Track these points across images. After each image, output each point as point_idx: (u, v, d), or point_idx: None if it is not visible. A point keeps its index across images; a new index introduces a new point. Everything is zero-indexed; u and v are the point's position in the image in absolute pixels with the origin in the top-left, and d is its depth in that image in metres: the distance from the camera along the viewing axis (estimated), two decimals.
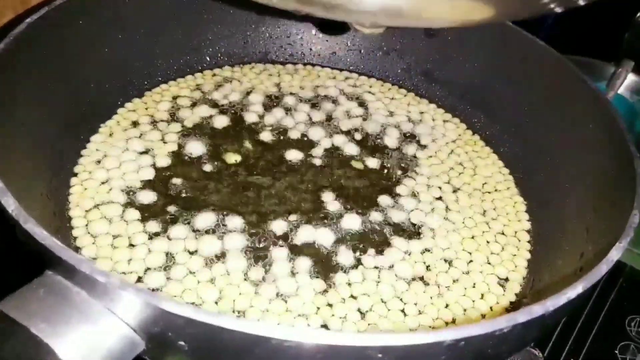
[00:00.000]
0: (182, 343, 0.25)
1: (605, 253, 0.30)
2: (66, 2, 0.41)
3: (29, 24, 0.38)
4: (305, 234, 0.39)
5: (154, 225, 0.39)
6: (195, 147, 0.45)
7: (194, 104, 0.49)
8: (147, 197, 0.40)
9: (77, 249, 0.36)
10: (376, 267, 0.38)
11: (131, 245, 0.37)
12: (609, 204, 0.37)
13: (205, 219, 0.39)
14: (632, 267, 0.51)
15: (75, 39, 0.42)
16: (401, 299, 0.37)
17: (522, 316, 0.25)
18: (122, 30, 0.46)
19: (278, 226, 0.40)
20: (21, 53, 0.37)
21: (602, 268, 0.28)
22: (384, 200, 0.43)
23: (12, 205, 0.26)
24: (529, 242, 0.42)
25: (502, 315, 0.25)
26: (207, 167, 0.43)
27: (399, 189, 0.44)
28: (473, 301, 0.37)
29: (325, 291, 0.36)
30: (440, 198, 0.44)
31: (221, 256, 0.37)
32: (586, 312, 0.46)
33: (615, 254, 0.29)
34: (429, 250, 0.40)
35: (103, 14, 0.44)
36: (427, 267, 0.39)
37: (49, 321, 0.24)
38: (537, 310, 0.25)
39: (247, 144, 0.46)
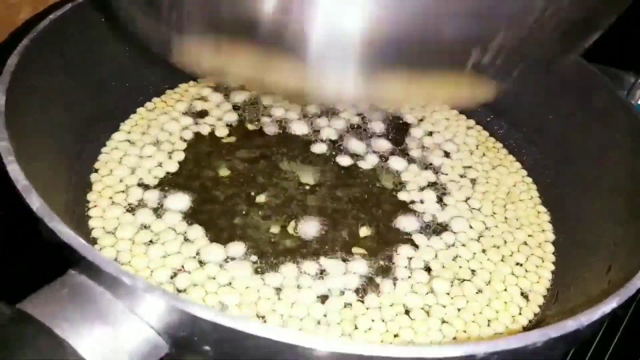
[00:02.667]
0: (207, 348, 0.24)
1: (636, 268, 0.29)
2: None
3: (52, 20, 0.38)
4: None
5: (172, 225, 0.38)
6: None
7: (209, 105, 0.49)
8: (166, 197, 0.40)
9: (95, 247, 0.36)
10: (401, 278, 0.38)
11: (150, 245, 0.37)
12: (637, 217, 0.36)
13: (225, 220, 0.39)
14: None
15: (98, 37, 0.42)
16: (426, 310, 0.36)
17: (555, 331, 0.24)
18: None
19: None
20: (44, 49, 0.37)
21: (637, 283, 0.28)
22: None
23: (36, 203, 0.26)
24: (553, 253, 0.41)
25: (532, 330, 0.24)
26: (224, 171, 0.43)
27: (421, 197, 0.43)
28: (497, 312, 0.37)
29: (350, 304, 0.36)
30: (463, 206, 0.43)
31: (243, 258, 0.37)
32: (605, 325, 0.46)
33: None
34: (454, 260, 0.39)
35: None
36: (453, 278, 0.38)
37: (72, 321, 0.24)
38: (571, 325, 0.25)
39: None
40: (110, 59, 0.44)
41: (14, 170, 0.27)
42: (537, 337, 0.24)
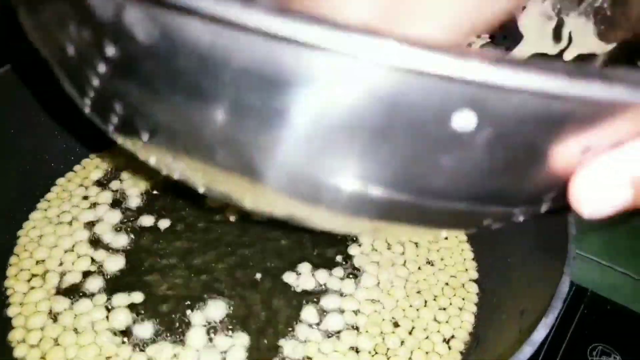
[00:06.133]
0: None
1: (539, 319, 0.30)
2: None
3: None
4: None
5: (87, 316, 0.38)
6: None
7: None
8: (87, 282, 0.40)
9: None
10: (320, 335, 0.38)
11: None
12: (548, 261, 0.36)
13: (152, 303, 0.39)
14: (593, 293, 0.51)
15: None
16: None
17: None
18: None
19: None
20: None
21: (527, 350, 0.28)
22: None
23: None
24: (477, 294, 0.42)
25: None
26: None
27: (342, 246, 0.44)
28: None
29: None
30: (387, 254, 0.43)
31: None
32: (548, 341, 0.46)
33: (541, 334, 0.29)
34: (376, 312, 0.40)
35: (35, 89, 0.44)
36: (378, 333, 0.38)
37: None
38: None
39: None
40: (26, 136, 0.43)
41: None
42: None
